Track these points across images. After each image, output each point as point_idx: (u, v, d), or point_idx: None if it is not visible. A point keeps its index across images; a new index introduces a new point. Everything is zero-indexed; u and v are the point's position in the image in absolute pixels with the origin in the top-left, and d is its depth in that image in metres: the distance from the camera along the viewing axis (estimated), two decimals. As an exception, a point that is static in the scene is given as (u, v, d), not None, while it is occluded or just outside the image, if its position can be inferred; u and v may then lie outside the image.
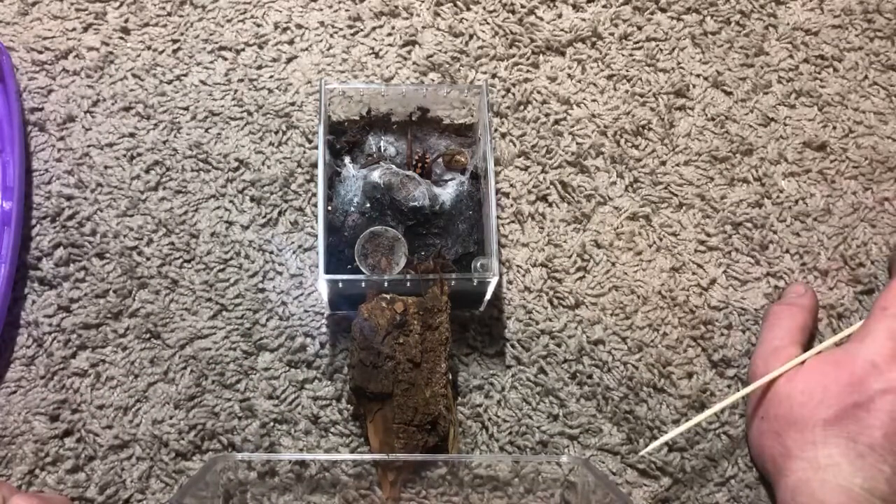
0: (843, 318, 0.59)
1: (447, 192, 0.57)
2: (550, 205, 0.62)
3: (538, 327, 0.59)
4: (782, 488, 0.51)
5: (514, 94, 0.64)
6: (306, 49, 0.65)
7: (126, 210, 0.60)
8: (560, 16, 0.67)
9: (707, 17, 0.67)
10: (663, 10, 0.67)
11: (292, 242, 0.60)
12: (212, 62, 0.64)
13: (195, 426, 0.56)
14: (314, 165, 0.62)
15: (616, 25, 0.67)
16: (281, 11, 0.66)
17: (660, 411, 0.57)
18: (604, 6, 0.67)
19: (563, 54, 0.66)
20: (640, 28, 0.67)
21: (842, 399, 0.49)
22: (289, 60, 0.65)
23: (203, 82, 0.64)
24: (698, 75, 0.66)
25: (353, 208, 0.56)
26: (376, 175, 0.56)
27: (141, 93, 0.63)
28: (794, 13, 0.68)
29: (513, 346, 0.58)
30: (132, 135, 0.62)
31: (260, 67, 0.64)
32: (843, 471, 0.48)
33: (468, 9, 0.67)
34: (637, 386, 0.58)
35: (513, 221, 0.61)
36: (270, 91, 0.64)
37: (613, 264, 0.60)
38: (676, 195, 0.62)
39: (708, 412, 0.54)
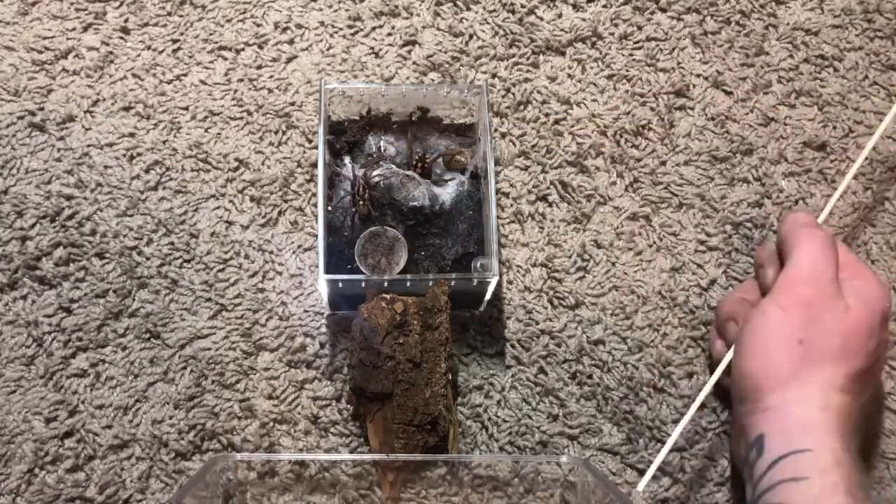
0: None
1: (447, 192, 0.57)
2: (550, 205, 0.62)
3: (538, 327, 0.59)
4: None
5: (514, 94, 0.64)
6: (306, 49, 0.65)
7: (126, 210, 0.60)
8: (560, 16, 0.67)
9: (707, 17, 0.67)
10: (663, 10, 0.67)
11: (292, 242, 0.60)
12: (212, 62, 0.64)
13: (195, 426, 0.56)
14: (314, 165, 0.61)
15: (616, 25, 0.67)
16: (281, 11, 0.66)
17: (660, 411, 0.57)
18: (604, 6, 0.67)
19: (563, 54, 0.66)
20: (640, 28, 0.67)
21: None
22: (289, 60, 0.65)
23: (203, 82, 0.64)
24: (698, 75, 0.66)
25: (353, 208, 0.56)
26: (376, 175, 0.56)
27: (141, 93, 0.63)
28: (794, 13, 0.68)
29: (513, 346, 0.58)
30: (132, 135, 0.62)
31: (260, 67, 0.64)
32: None
33: (468, 9, 0.67)
34: (637, 386, 0.58)
35: (513, 221, 0.61)
36: (270, 91, 0.64)
37: (613, 264, 0.60)
38: (676, 195, 0.62)
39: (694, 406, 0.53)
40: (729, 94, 0.65)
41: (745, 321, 0.52)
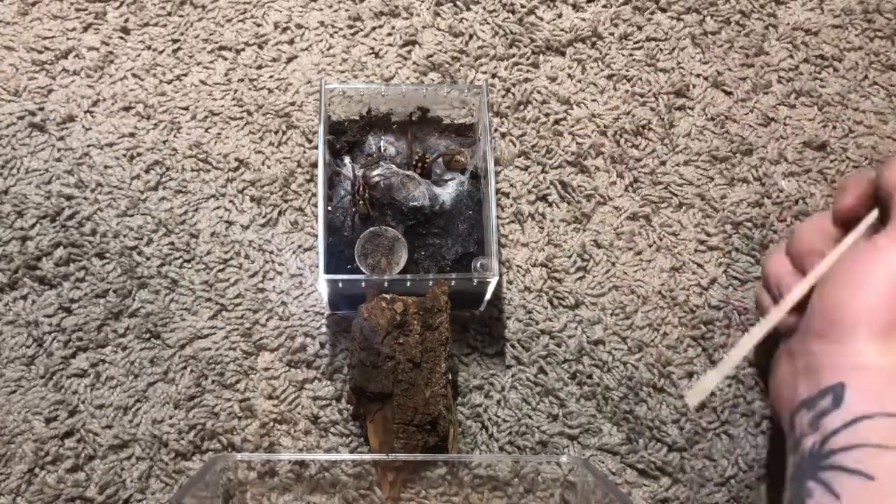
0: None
1: (447, 192, 0.57)
2: (550, 205, 0.62)
3: (538, 327, 0.59)
4: None
5: (514, 94, 0.64)
6: (306, 49, 0.65)
7: (126, 210, 0.60)
8: (560, 16, 0.67)
9: (707, 16, 0.67)
10: (663, 10, 0.67)
11: (292, 242, 0.60)
12: (212, 62, 0.64)
13: (195, 426, 0.56)
14: (314, 165, 0.62)
15: (616, 25, 0.67)
16: (281, 11, 0.66)
17: (660, 411, 0.57)
18: (604, 6, 0.67)
19: (563, 54, 0.66)
20: (640, 28, 0.67)
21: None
22: (289, 60, 0.65)
23: (203, 82, 0.64)
24: (698, 75, 0.66)
25: (353, 208, 0.56)
26: (376, 175, 0.56)
27: (141, 93, 0.63)
28: (794, 13, 0.68)
29: (513, 346, 0.58)
30: (132, 135, 0.62)
31: (260, 67, 0.64)
32: None
33: (468, 9, 0.67)
34: (637, 386, 0.58)
35: (513, 221, 0.61)
36: (270, 91, 0.64)
37: (613, 264, 0.60)
38: (676, 195, 0.62)
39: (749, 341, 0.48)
40: (729, 94, 0.65)
41: (847, 252, 0.46)
